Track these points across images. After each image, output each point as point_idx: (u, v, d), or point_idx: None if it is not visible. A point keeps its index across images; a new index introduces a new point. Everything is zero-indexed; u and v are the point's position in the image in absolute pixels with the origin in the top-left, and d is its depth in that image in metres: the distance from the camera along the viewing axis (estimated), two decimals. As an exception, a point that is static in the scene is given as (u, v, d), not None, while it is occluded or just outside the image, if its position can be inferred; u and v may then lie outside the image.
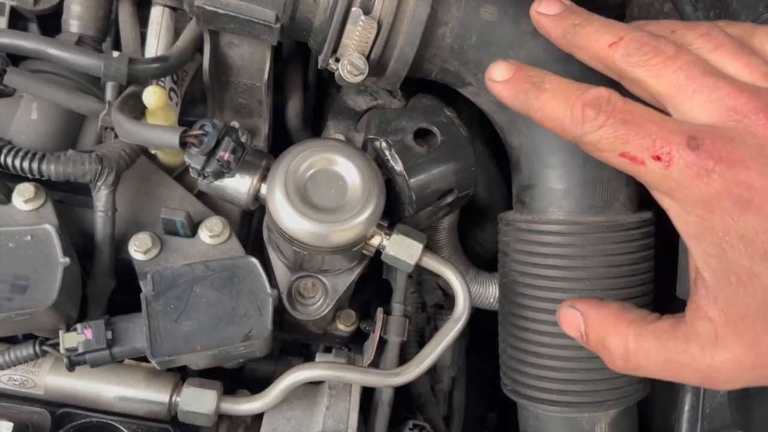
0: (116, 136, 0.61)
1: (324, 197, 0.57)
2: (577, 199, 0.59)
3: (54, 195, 0.62)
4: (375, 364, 0.67)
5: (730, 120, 0.45)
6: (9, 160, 0.58)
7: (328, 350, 0.75)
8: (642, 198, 0.61)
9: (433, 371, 0.80)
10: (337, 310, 0.71)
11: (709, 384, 0.49)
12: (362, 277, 0.69)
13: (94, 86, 0.66)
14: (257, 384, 0.65)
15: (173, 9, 0.69)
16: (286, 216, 0.56)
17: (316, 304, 0.67)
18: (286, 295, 0.66)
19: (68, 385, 0.60)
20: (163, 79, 0.67)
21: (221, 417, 0.63)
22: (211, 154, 0.55)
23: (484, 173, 0.79)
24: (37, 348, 0.56)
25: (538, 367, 0.61)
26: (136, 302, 0.57)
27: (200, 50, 0.66)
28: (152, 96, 0.58)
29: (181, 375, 0.63)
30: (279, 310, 0.66)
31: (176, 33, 0.69)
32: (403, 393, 0.76)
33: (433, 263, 0.62)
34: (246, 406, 0.61)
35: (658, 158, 0.45)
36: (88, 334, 0.54)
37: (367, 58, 0.58)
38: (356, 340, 0.75)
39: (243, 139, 0.57)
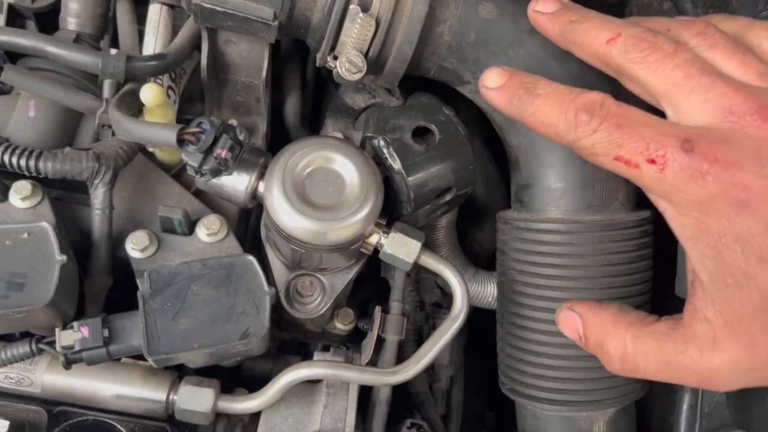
0: (114, 134, 0.61)
1: (322, 195, 0.57)
2: (576, 198, 0.59)
3: (51, 193, 0.62)
4: (373, 362, 0.67)
5: (725, 121, 0.45)
6: (6, 158, 0.58)
7: (326, 349, 0.75)
8: (640, 197, 0.61)
9: (431, 370, 0.80)
10: (335, 309, 0.71)
11: (707, 386, 0.49)
12: (361, 275, 0.69)
13: (91, 84, 0.66)
14: (255, 383, 0.64)
15: (171, 6, 0.69)
16: (284, 214, 0.56)
17: (314, 302, 0.66)
18: (284, 294, 0.66)
19: (65, 384, 0.60)
20: (161, 76, 0.67)
21: (218, 415, 0.63)
22: (208, 151, 0.55)
23: (483, 172, 0.79)
24: (34, 346, 0.56)
25: (536, 366, 0.61)
26: (133, 300, 0.57)
27: (198, 48, 0.66)
28: (150, 93, 0.58)
29: (179, 373, 0.63)
30: (277, 309, 0.66)
31: (174, 31, 0.68)
32: (401, 392, 0.75)
33: (431, 261, 0.62)
34: (243, 404, 0.61)
35: (653, 161, 0.45)
36: (85, 331, 0.54)
37: (366, 55, 0.58)
38: (354, 339, 0.75)
39: (241, 137, 0.57)
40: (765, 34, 0.50)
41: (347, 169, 0.57)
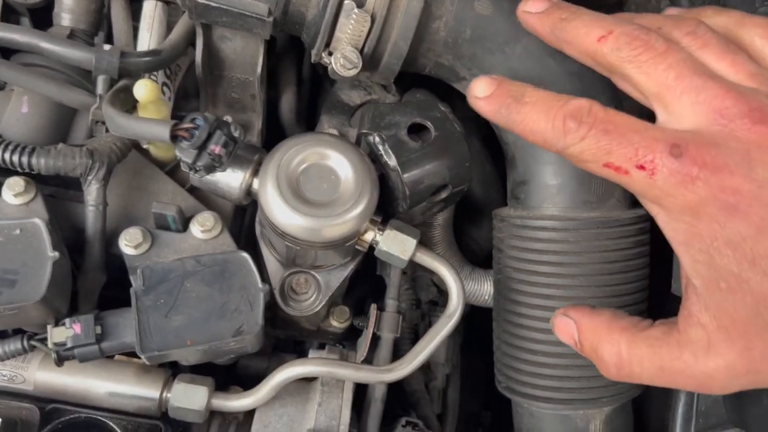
0: (107, 130, 0.60)
1: (316, 192, 0.57)
2: (572, 195, 0.59)
3: (45, 189, 0.61)
4: (368, 360, 0.67)
5: (715, 124, 0.45)
6: (-2, 154, 0.57)
7: (321, 347, 0.74)
8: (637, 194, 0.61)
9: (427, 368, 0.80)
10: (331, 307, 0.71)
11: (703, 390, 0.49)
12: (357, 273, 0.69)
13: (85, 80, 0.65)
14: (250, 381, 0.64)
15: (166, 2, 0.68)
16: (278, 210, 0.55)
17: (309, 299, 0.66)
18: (278, 291, 0.65)
19: (58, 381, 0.60)
20: (155, 73, 0.66)
21: (213, 413, 0.62)
22: (202, 147, 0.54)
23: (480, 170, 0.79)
24: (26, 343, 0.55)
25: (533, 364, 0.60)
26: (128, 298, 0.56)
27: (193, 44, 0.65)
28: (143, 89, 0.58)
29: (173, 371, 0.63)
30: (272, 307, 0.66)
31: (169, 27, 0.68)
32: (397, 390, 0.75)
33: (426, 259, 0.62)
34: (237, 402, 0.61)
35: (642, 167, 0.44)
36: (77, 328, 0.54)
37: (361, 51, 0.58)
38: (350, 337, 0.74)
39: (236, 134, 0.57)
40: (757, 31, 0.50)
41: (342, 165, 0.57)
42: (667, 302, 0.58)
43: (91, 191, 0.60)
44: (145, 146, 0.66)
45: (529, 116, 0.48)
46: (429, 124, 0.62)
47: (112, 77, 0.61)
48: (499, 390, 0.65)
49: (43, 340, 0.55)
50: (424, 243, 0.63)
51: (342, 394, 0.63)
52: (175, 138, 0.54)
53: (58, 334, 0.54)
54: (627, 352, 0.49)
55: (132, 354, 0.57)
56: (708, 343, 0.46)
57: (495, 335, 0.66)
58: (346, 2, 0.56)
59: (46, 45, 0.61)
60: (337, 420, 0.62)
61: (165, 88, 0.68)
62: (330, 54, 0.59)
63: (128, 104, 0.61)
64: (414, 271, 0.78)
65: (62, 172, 0.58)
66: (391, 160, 0.60)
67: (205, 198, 0.67)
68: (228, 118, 0.58)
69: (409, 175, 0.60)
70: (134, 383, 0.61)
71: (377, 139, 0.60)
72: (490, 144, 0.79)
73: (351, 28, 0.56)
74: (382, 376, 0.62)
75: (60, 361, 0.54)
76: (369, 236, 0.60)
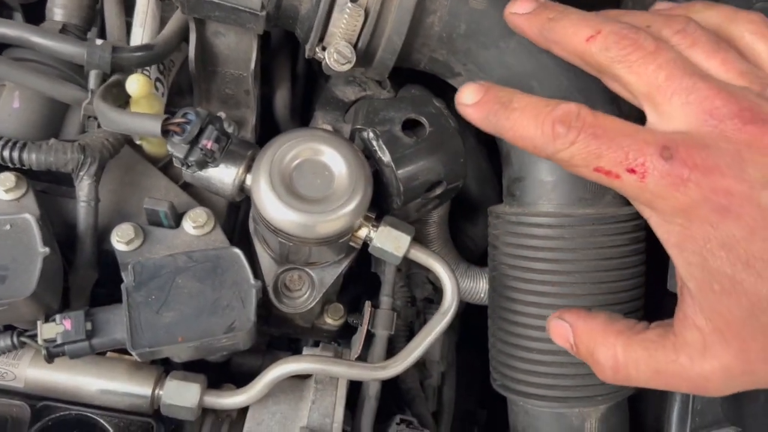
0: (99, 126, 0.60)
1: (310, 187, 0.56)
2: (567, 191, 0.59)
3: (37, 185, 0.61)
4: (363, 358, 0.66)
5: (705, 125, 0.44)
6: (-10, 149, 0.57)
7: (316, 345, 0.74)
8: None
9: (422, 366, 0.79)
10: (325, 304, 0.70)
11: (699, 392, 0.49)
12: (353, 271, 0.69)
13: (78, 75, 0.65)
14: (244, 378, 0.63)
15: (159, -2, 0.68)
16: (271, 206, 0.55)
17: (303, 296, 0.66)
18: (272, 288, 0.65)
19: (49, 378, 0.59)
20: (148, 69, 0.66)
21: (206, 411, 0.62)
22: (193, 142, 0.54)
23: (476, 167, 0.78)
24: (15, 339, 0.55)
25: (528, 362, 0.60)
26: (121, 295, 0.56)
27: (186, 40, 0.65)
28: (135, 84, 0.58)
29: (165, 368, 0.62)
30: (266, 304, 0.65)
31: (162, 22, 0.68)
32: (392, 388, 0.75)
33: (421, 256, 0.61)
34: (230, 399, 0.60)
35: (633, 171, 0.44)
36: (67, 324, 0.53)
37: (355, 46, 0.58)
38: (345, 335, 0.74)
39: (230, 130, 0.56)
40: (748, 26, 0.50)
41: (335, 161, 0.57)
42: (665, 299, 0.58)
43: (83, 187, 0.59)
44: (138, 142, 0.66)
45: (518, 122, 0.48)
46: (423, 119, 0.62)
47: (105, 72, 0.61)
48: (494, 387, 0.65)
49: (33, 337, 0.54)
50: (420, 240, 0.63)
51: (336, 392, 0.63)
52: (166, 133, 0.54)
53: (48, 331, 0.53)
54: (623, 355, 0.49)
55: (124, 351, 0.56)
56: (703, 345, 0.46)
57: (490, 333, 0.65)
58: (339, -3, 0.56)
59: (37, 39, 0.60)
60: (331, 418, 0.61)
61: (158, 84, 0.67)
62: (324, 49, 0.58)
63: (120, 99, 0.60)
64: (409, 268, 0.78)
65: (54, 168, 0.58)
66: (386, 156, 0.59)
67: (198, 194, 0.66)
68: (221, 114, 0.58)
69: (404, 171, 0.59)
70: (126, 380, 0.60)
71: (371, 134, 0.60)
72: (485, 140, 0.79)
73: (344, 23, 0.56)
74: (375, 373, 0.61)
75: (50, 357, 0.54)
76: (363, 233, 0.59)
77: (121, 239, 0.59)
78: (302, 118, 0.78)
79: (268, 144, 0.57)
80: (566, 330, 0.52)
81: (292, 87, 0.76)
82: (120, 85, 0.60)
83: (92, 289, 0.61)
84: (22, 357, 0.60)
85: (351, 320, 0.72)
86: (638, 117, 0.49)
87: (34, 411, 0.58)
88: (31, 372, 0.59)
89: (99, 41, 0.61)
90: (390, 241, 0.59)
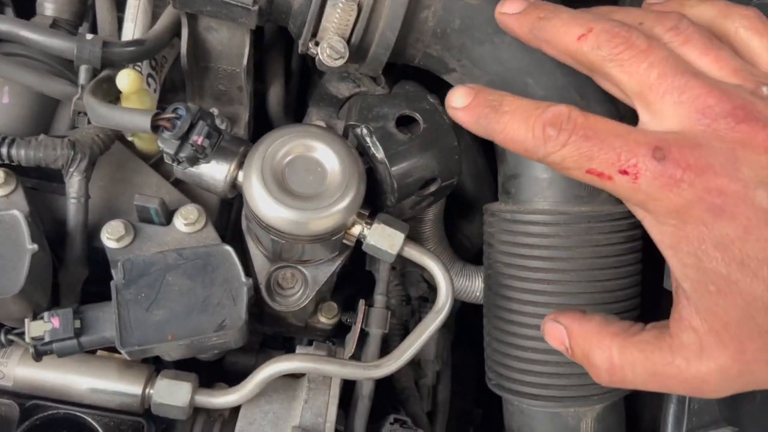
0: (90, 121, 0.59)
1: (302, 184, 0.55)
2: (563, 189, 0.58)
3: (27, 182, 0.60)
4: (356, 357, 0.66)
5: (698, 124, 0.44)
6: (-22, 145, 0.56)
7: (310, 344, 0.73)
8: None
9: (417, 365, 0.79)
10: (319, 303, 0.70)
11: (696, 394, 0.48)
12: (346, 269, 0.68)
13: (68, 70, 0.64)
14: (237, 378, 0.63)
15: (151, -8, 0.67)
16: (263, 203, 0.54)
17: (296, 295, 0.65)
18: (264, 286, 0.64)
19: (38, 377, 0.59)
20: (140, 64, 0.65)
21: (198, 410, 0.61)
22: (184, 138, 0.53)
23: (471, 164, 0.78)
24: (2, 337, 0.54)
25: (523, 361, 0.59)
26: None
27: (179, 35, 0.64)
28: (126, 79, 0.57)
29: (156, 367, 0.62)
30: (259, 302, 0.65)
31: (154, 17, 0.67)
32: (386, 387, 0.74)
33: (415, 253, 0.60)
34: (222, 398, 0.60)
35: (625, 172, 0.44)
36: (55, 322, 0.52)
37: (348, 41, 0.57)
38: (339, 334, 0.73)
39: (222, 126, 0.56)
40: (742, 22, 0.49)
41: (328, 157, 0.56)
42: (662, 297, 0.57)
43: (73, 183, 0.59)
44: (129, 138, 0.65)
45: (508, 125, 0.48)
46: (418, 116, 0.61)
47: (95, 67, 0.60)
48: (489, 387, 0.65)
49: (21, 335, 0.54)
50: (415, 239, 0.62)
51: (329, 391, 0.62)
52: (156, 128, 0.53)
53: (36, 328, 0.53)
54: (618, 357, 0.48)
55: (114, 349, 0.56)
56: (700, 347, 0.45)
57: (485, 332, 0.65)
58: (332, -10, 0.55)
59: (26, 34, 0.60)
60: (324, 417, 0.61)
61: (150, 80, 0.67)
62: (317, 44, 0.58)
63: (111, 95, 0.60)
64: (403, 266, 0.77)
65: (43, 164, 0.57)
66: (379, 153, 0.59)
67: (190, 191, 0.66)
68: (213, 110, 0.57)
69: (398, 167, 0.59)
70: (116, 379, 0.59)
71: (365, 131, 0.59)
72: (480, 137, 0.78)
73: (337, 18, 0.55)
74: (368, 372, 0.60)
75: (38, 355, 0.53)
76: (356, 230, 0.59)
77: (111, 236, 0.58)
78: (296, 114, 0.77)
79: (259, 140, 0.57)
80: (561, 333, 0.52)
81: (286, 83, 0.76)
82: (110, 81, 0.59)
83: (82, 287, 0.61)
84: (11, 355, 0.59)
85: (345, 319, 0.71)
86: (635, 114, 0.48)
87: (23, 410, 0.57)
88: (20, 370, 0.59)
89: (89, 36, 0.60)
90: (384, 239, 0.59)
